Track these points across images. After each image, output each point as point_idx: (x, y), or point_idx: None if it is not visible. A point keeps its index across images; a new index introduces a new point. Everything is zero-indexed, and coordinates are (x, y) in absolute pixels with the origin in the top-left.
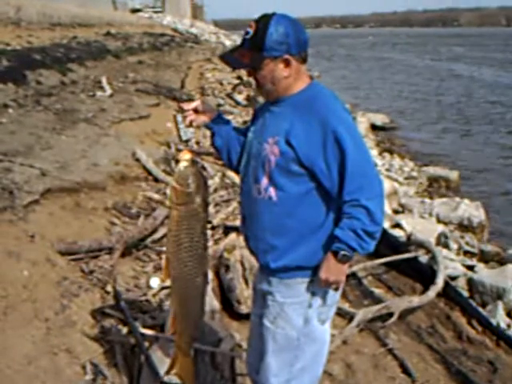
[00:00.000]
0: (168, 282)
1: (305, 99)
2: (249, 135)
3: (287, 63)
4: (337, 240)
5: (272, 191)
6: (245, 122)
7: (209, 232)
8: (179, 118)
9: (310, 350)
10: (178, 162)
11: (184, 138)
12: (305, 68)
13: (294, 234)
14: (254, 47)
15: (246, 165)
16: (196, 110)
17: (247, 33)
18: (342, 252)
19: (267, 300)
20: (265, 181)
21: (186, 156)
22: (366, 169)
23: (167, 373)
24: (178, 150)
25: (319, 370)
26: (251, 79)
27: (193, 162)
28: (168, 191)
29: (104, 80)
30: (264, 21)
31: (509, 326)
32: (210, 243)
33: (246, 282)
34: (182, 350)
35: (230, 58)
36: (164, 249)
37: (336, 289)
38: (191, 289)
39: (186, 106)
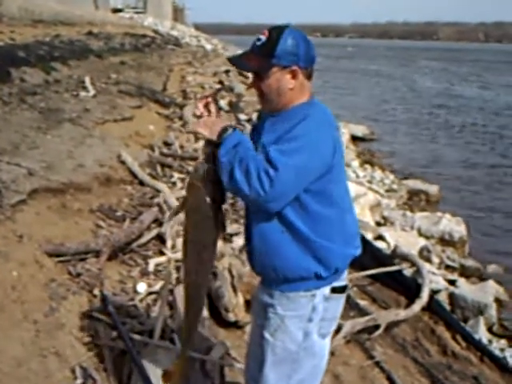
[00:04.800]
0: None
1: (294, 115)
2: None
3: (294, 75)
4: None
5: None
6: None
7: None
8: None
9: (308, 363)
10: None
11: None
12: (309, 84)
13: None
14: (264, 53)
15: None
16: None
17: (259, 39)
18: (228, 131)
19: (268, 312)
20: None
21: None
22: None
23: None
24: (162, 154)
25: (316, 383)
26: (231, 85)
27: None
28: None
29: (87, 80)
30: (278, 30)
31: (490, 341)
32: None
33: (235, 290)
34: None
35: (238, 61)
36: (150, 253)
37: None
38: (201, 298)
39: None
